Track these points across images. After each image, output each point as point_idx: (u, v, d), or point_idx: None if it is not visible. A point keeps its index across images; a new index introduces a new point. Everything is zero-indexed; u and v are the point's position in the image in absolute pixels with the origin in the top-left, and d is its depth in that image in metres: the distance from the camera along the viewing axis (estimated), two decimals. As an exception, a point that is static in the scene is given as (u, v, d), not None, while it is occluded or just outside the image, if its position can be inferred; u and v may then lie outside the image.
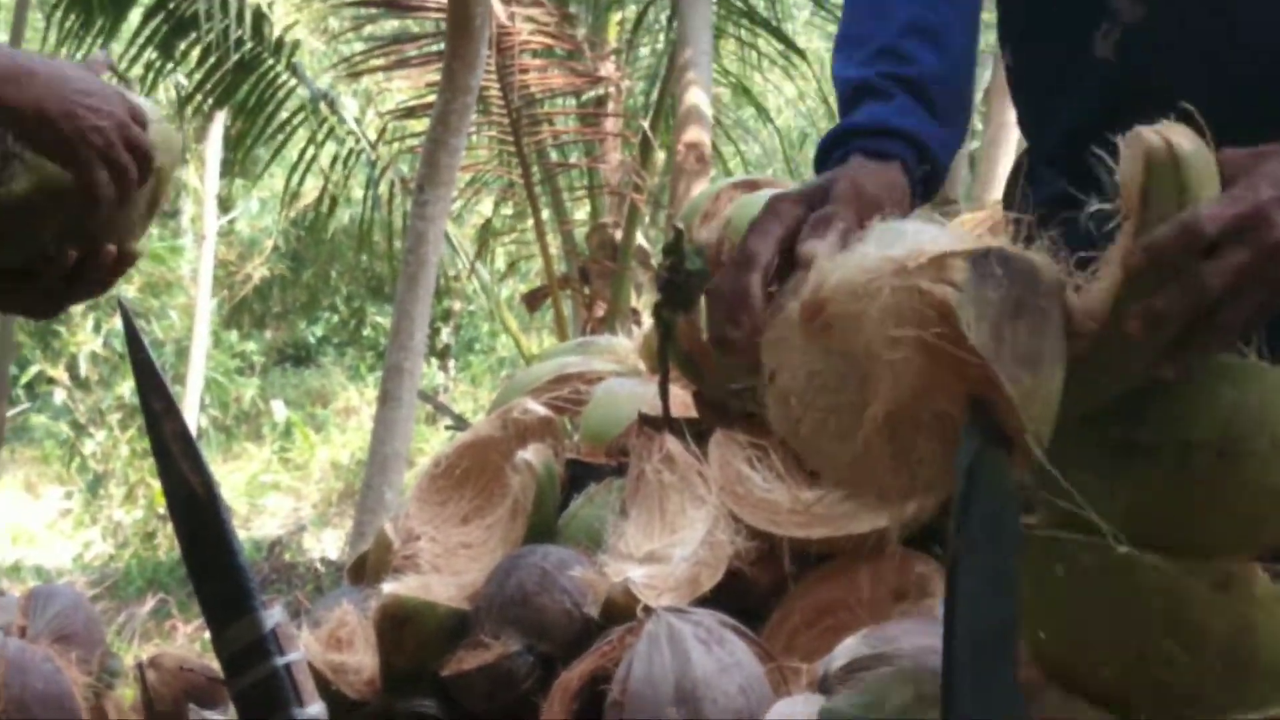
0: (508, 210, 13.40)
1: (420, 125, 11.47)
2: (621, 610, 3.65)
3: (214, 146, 17.81)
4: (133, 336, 2.84)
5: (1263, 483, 1.74)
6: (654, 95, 12.61)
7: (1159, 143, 1.68)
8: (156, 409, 2.79)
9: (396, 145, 12.83)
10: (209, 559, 2.77)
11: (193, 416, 16.02)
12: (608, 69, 12.15)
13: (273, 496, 17.92)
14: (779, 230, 1.83)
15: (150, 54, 11.62)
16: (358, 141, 12.76)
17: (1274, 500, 1.75)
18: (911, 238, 1.67)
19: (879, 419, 1.61)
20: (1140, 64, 2.08)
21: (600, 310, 10.94)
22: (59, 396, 16.98)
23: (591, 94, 12.19)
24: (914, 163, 2.00)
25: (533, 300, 12.09)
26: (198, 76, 11.93)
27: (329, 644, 3.95)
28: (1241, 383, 1.78)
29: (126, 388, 16.08)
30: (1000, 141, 10.47)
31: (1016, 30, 2.33)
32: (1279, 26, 2.00)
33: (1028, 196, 2.11)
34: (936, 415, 1.62)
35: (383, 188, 12.64)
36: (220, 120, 15.55)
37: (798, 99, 15.78)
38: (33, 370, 17.11)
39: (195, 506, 2.72)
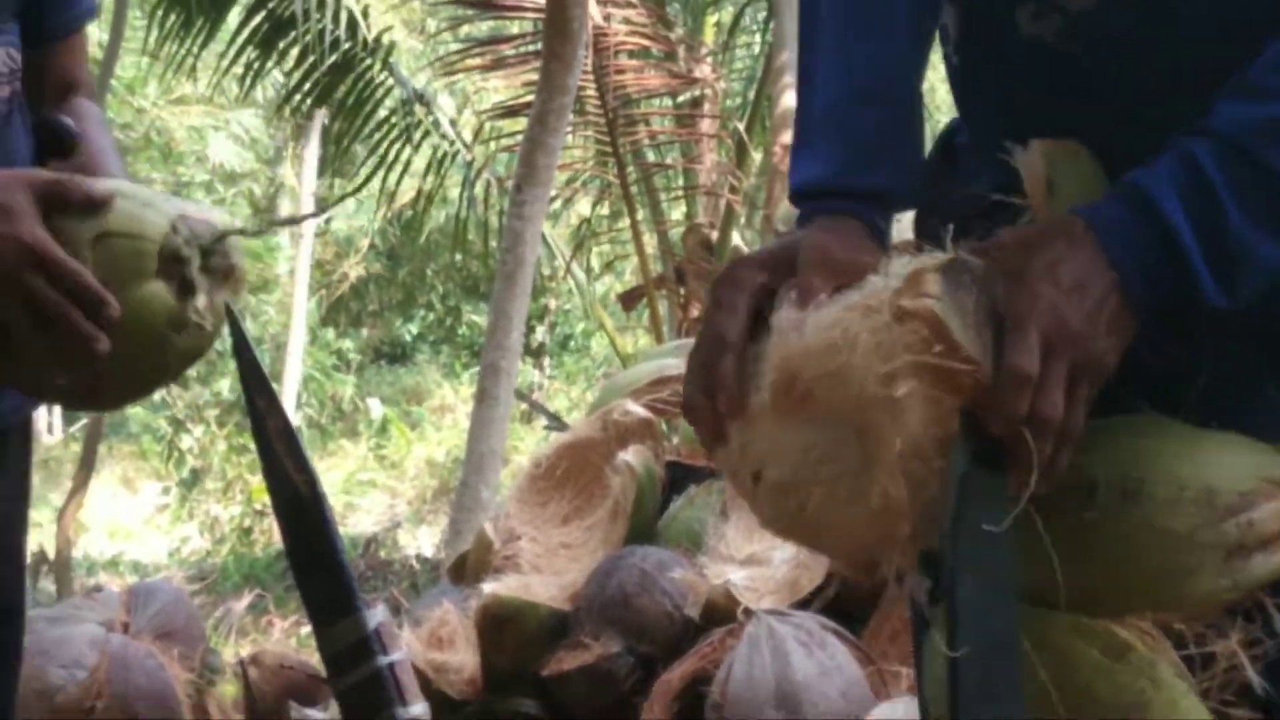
0: (604, 210, 13.52)
1: (516, 125, 11.60)
2: (722, 612, 3.79)
3: (312, 147, 18.01)
4: (239, 337, 2.87)
5: (1166, 527, 1.74)
6: (750, 96, 12.85)
7: (1056, 147, 1.83)
8: (261, 407, 2.82)
9: (493, 145, 13.00)
10: (312, 558, 2.79)
11: (290, 413, 16.29)
12: (704, 70, 12.24)
13: (369, 494, 18.13)
14: (745, 303, 1.82)
15: (250, 54, 11.81)
16: (452, 144, 12.91)
17: (1178, 546, 1.74)
18: (860, 288, 1.67)
19: (900, 457, 1.60)
20: (1084, 54, 2.05)
21: (695, 310, 10.88)
22: (157, 392, 17.30)
23: (687, 95, 12.27)
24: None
25: (629, 300, 12.18)
26: (296, 76, 12.15)
27: (430, 643, 4.12)
28: (1142, 433, 1.80)
29: (224, 384, 16.36)
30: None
31: (958, 29, 2.26)
32: (1218, 23, 1.93)
33: (949, 196, 2.19)
34: (939, 442, 1.62)
35: (478, 188, 12.79)
36: (319, 120, 15.80)
37: (890, 98, 16.10)
38: (132, 366, 17.49)
39: (299, 506, 2.74)
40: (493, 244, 12.24)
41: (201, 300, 2.40)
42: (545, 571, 4.37)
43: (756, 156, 12.28)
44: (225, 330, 2.64)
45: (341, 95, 12.38)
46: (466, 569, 4.73)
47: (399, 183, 12.93)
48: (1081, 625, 1.81)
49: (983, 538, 1.67)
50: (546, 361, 20.72)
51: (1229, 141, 1.71)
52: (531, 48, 10.92)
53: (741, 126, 12.03)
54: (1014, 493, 1.67)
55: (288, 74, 12.58)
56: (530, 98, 9.13)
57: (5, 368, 2.29)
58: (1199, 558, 1.75)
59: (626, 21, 11.31)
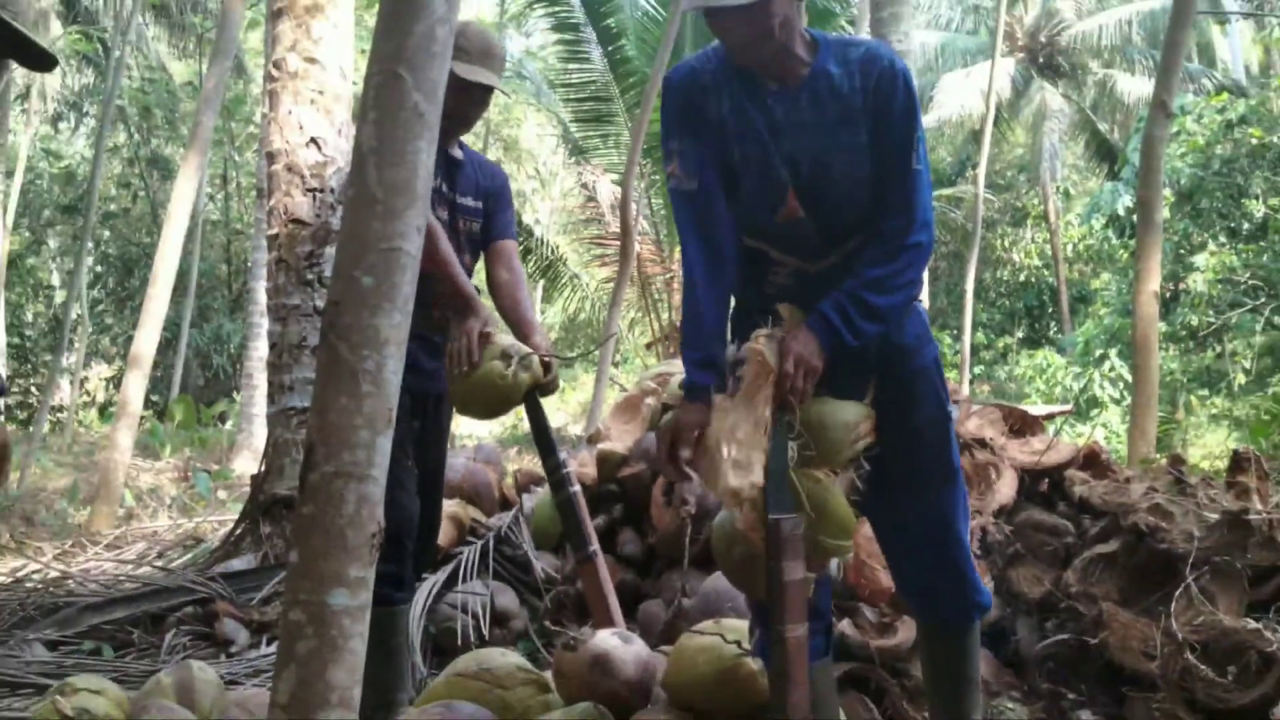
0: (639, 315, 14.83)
1: (608, 286, 13.20)
2: None
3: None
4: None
5: (829, 438, 2.11)
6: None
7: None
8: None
9: (604, 296, 14.66)
10: (542, 438, 3.16)
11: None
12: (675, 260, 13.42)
13: (556, 414, 19.19)
14: (665, 443, 2.21)
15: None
16: (585, 294, 15.16)
17: (832, 445, 2.13)
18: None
19: (764, 421, 2.07)
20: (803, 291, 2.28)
21: (673, 348, 12.64)
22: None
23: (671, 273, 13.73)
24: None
25: (649, 346, 14.02)
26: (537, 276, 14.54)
27: (580, 466, 4.35)
28: (823, 402, 2.16)
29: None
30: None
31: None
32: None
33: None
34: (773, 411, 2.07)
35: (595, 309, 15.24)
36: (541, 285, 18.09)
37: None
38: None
39: (542, 428, 3.15)
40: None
41: (512, 372, 2.93)
42: (619, 441, 4.38)
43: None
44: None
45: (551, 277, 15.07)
46: (592, 439, 4.76)
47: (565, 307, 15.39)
48: (808, 472, 2.11)
49: (776, 446, 2.08)
50: (620, 368, 21.35)
51: (850, 293, 2.14)
52: (613, 255, 12.84)
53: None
54: (787, 420, 2.10)
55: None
56: (614, 272, 10.90)
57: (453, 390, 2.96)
58: (840, 445, 2.15)
59: (645, 245, 13.10)
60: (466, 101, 2.95)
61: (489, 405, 2.96)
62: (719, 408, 2.09)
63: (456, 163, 3.11)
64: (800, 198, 2.22)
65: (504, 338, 2.91)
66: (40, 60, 2.33)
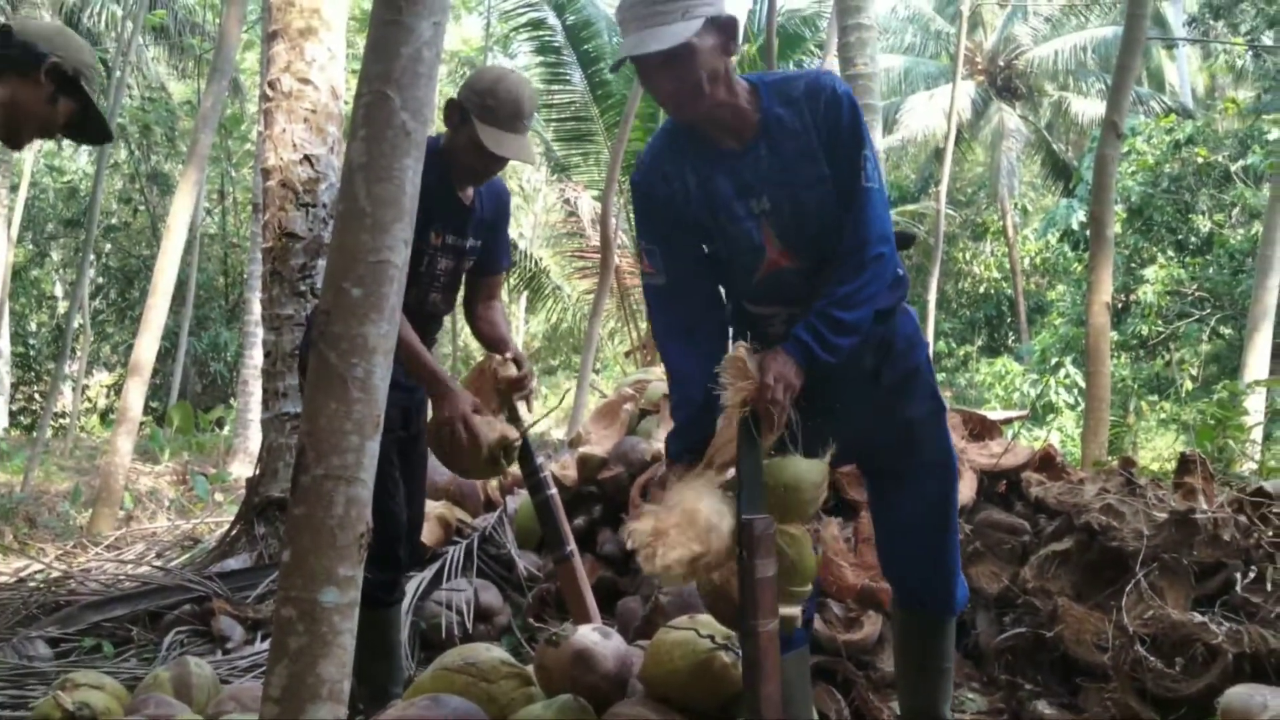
0: (619, 324, 14.94)
1: (588, 296, 13.49)
2: (658, 458, 4.06)
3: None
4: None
5: (802, 498, 2.13)
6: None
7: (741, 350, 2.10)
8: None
9: (585, 306, 14.84)
10: (525, 451, 3.09)
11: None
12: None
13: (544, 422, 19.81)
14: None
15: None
16: (566, 303, 15.27)
17: (804, 503, 2.13)
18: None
19: (736, 420, 2.04)
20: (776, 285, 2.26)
21: (649, 356, 12.84)
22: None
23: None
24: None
25: (628, 354, 14.19)
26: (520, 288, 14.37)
27: (562, 468, 4.36)
28: (794, 462, 2.14)
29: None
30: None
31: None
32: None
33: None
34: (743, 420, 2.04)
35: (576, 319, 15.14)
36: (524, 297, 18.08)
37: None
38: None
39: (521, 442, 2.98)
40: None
41: (504, 460, 2.91)
42: (599, 445, 4.40)
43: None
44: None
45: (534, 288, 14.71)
46: (574, 442, 4.77)
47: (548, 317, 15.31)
48: (781, 528, 2.09)
49: (749, 451, 2.05)
50: (600, 374, 21.36)
51: (819, 312, 2.12)
52: (594, 268, 12.89)
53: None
54: (762, 435, 2.06)
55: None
56: (594, 284, 11.02)
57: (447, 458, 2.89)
58: (812, 503, 2.15)
59: (624, 259, 13.17)
60: (490, 162, 2.86)
61: (494, 475, 2.98)
62: (677, 487, 2.07)
63: (467, 210, 2.99)
64: (785, 243, 2.20)
65: (483, 428, 2.79)
66: (97, 137, 2.37)
